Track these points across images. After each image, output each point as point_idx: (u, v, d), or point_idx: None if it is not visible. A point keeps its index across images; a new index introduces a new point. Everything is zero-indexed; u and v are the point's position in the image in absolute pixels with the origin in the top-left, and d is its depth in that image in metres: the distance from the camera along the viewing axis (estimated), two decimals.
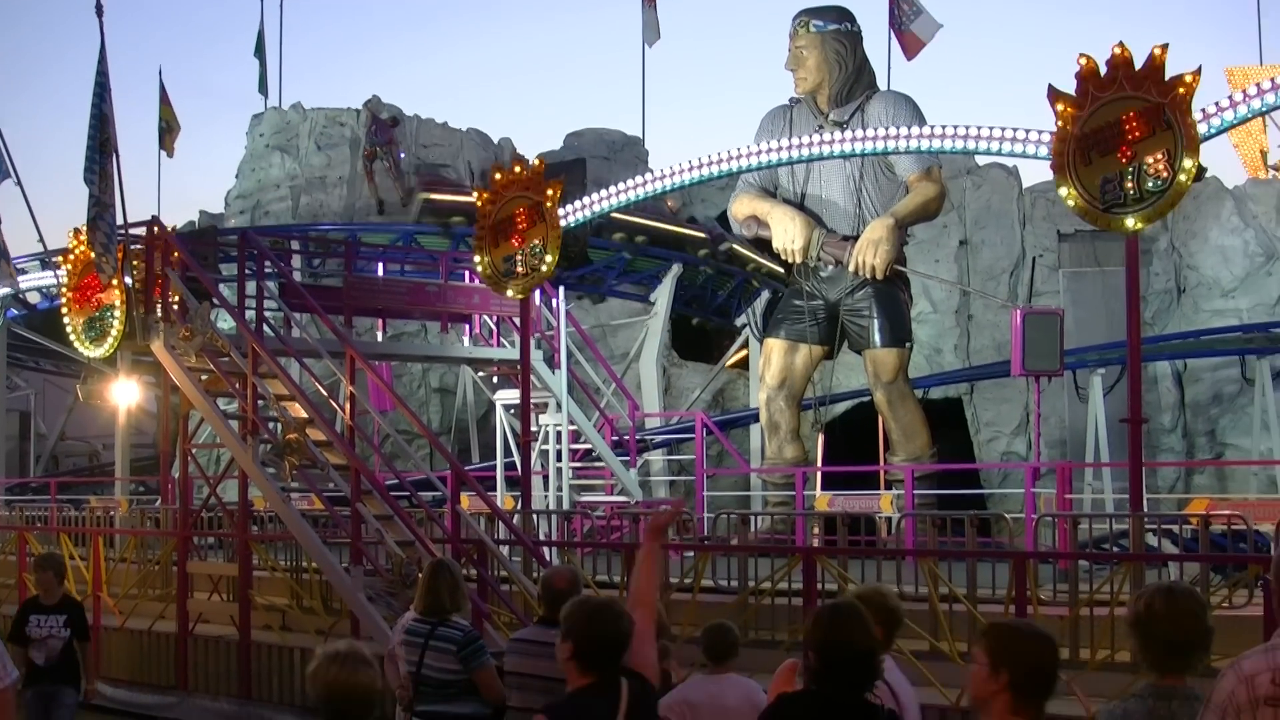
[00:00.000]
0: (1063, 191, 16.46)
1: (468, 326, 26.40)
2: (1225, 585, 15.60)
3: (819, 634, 6.23)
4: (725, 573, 18.74)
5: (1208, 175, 35.49)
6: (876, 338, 26.85)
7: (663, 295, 34.32)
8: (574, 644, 6.44)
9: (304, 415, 19.92)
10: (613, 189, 21.88)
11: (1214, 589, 15.38)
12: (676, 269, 34.20)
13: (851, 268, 26.45)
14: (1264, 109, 16.85)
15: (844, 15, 28.19)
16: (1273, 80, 16.40)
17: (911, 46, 33.89)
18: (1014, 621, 6.12)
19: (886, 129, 21.04)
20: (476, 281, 23.62)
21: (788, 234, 26.93)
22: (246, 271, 23.24)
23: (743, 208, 28.20)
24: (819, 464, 28.42)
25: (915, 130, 20.35)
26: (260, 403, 19.78)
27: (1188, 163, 15.64)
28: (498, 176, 21.64)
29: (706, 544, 21.47)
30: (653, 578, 7.35)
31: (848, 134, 22.10)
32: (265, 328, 22.34)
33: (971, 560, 16.82)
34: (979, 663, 5.46)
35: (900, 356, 27.05)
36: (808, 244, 26.77)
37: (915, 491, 24.91)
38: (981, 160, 36.85)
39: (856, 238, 26.58)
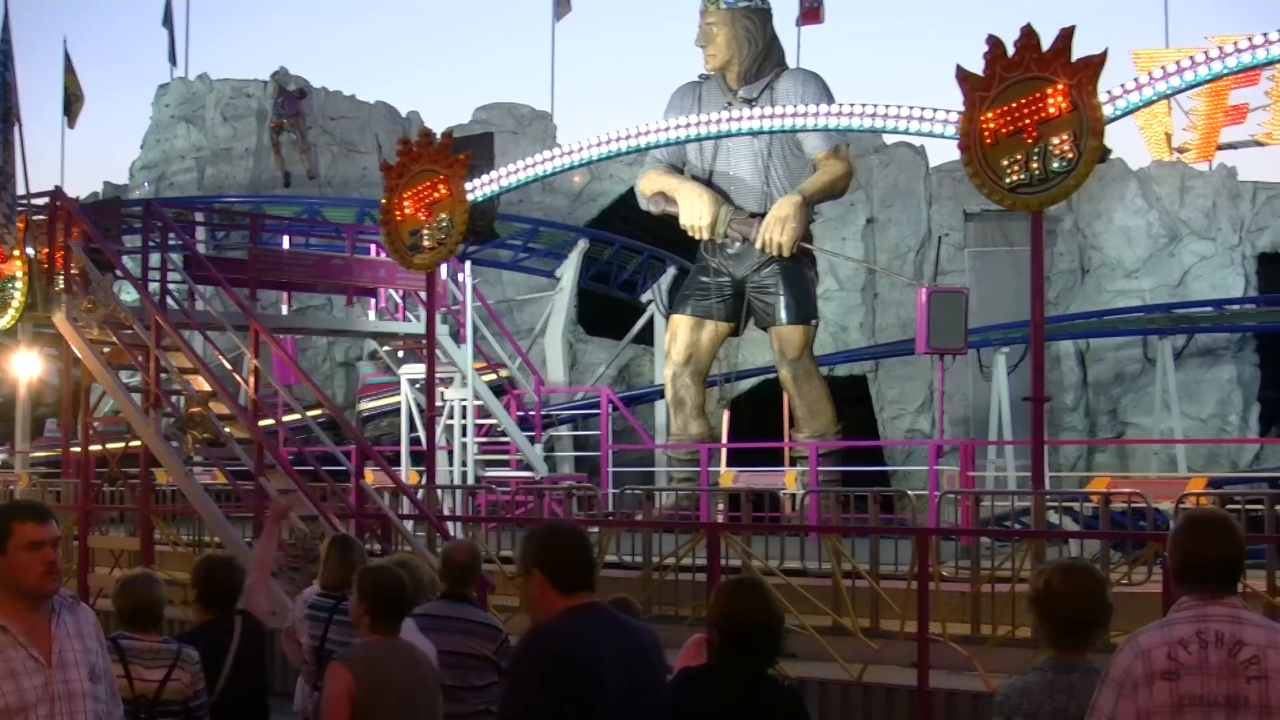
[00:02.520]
0: (969, 171, 16.57)
1: (373, 300, 26.33)
2: (1125, 562, 15.77)
3: (721, 609, 6.27)
4: (630, 548, 18.78)
5: (1113, 157, 35.78)
6: (782, 314, 26.90)
7: (569, 270, 34.27)
8: (199, 591, 8.58)
9: (207, 389, 19.79)
10: (520, 164, 21.80)
11: (1114, 566, 15.54)
12: (583, 244, 34.16)
13: (758, 245, 26.48)
14: (1169, 91, 16.99)
15: None
16: (1178, 63, 16.55)
17: (809, 17, 34.08)
18: (540, 525, 6.30)
19: (795, 107, 21.07)
20: (383, 255, 23.54)
21: (695, 211, 26.92)
22: (150, 243, 23.05)
23: (650, 184, 28.17)
24: (724, 440, 28.48)
25: (823, 108, 20.37)
26: (163, 376, 19.64)
27: (1093, 144, 15.78)
28: (404, 150, 21.56)
29: (611, 519, 21.48)
30: (268, 550, 9.88)
31: (756, 111, 22.12)
32: (169, 300, 22.17)
33: (874, 536, 16.95)
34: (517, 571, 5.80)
35: (806, 334, 27.12)
36: (715, 221, 26.76)
37: (820, 468, 25.05)
38: (889, 139, 37.01)
39: (764, 215, 26.60)
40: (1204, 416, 33.63)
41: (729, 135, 23.79)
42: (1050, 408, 30.12)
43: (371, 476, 22.17)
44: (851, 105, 19.06)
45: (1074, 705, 5.62)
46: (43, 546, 5.64)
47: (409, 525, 19.09)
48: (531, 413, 28.59)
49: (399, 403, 28.56)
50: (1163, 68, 16.65)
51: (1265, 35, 16.21)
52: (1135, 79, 16.56)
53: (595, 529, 19.01)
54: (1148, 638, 5.33)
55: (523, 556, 5.69)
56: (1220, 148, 36.82)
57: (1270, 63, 18.43)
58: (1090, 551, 16.44)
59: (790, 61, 29.24)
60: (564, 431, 32.34)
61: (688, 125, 21.13)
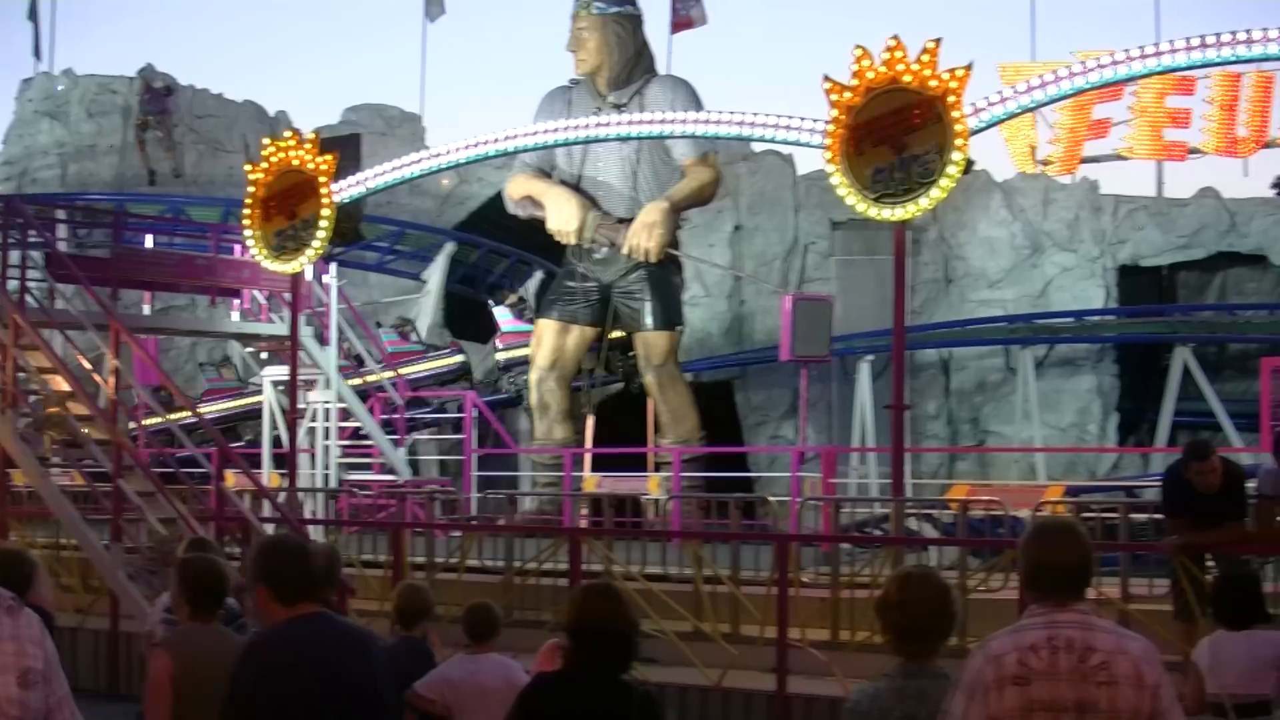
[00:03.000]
0: (835, 180, 16.67)
1: (237, 301, 26.06)
2: (983, 569, 15.92)
3: (574, 615, 6.26)
4: (492, 553, 18.72)
5: (977, 169, 36.17)
6: (648, 320, 26.93)
7: (435, 273, 34.14)
8: None
9: (66, 389, 19.50)
10: (388, 165, 21.67)
11: (972, 573, 15.69)
12: (450, 247, 34.05)
13: (625, 250, 26.49)
14: (1033, 105, 17.20)
15: None
16: (1042, 77, 16.74)
17: (680, 25, 34.18)
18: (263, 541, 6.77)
19: (664, 113, 21.13)
20: (247, 256, 23.31)
21: (562, 215, 26.88)
22: (10, 240, 22.67)
23: (518, 188, 28.10)
24: (588, 445, 28.47)
25: (692, 115, 20.43)
26: (21, 375, 19.32)
27: (957, 156, 15.93)
28: (270, 149, 21.37)
29: (473, 523, 21.40)
30: None
31: (625, 117, 22.16)
32: (28, 298, 21.81)
33: (735, 542, 17.00)
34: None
35: (671, 339, 27.18)
36: (582, 226, 26.74)
37: (683, 474, 25.08)
38: (758, 147, 37.13)
39: (631, 220, 26.62)
40: (1064, 426, 34.08)
41: (598, 140, 23.82)
42: (913, 416, 30.48)
43: (234, 479, 21.94)
44: (720, 113, 19.10)
45: (924, 711, 5.66)
46: None
47: (269, 529, 18.90)
48: (395, 416, 28.41)
49: (242, 408, 28.37)
50: (1027, 81, 16.85)
51: (1127, 51, 16.43)
52: (1000, 91, 16.74)
53: (458, 533, 18.93)
54: (999, 643, 5.38)
55: (250, 571, 6.10)
56: (1083, 161, 37.37)
57: (1132, 78, 18.72)
58: (949, 558, 16.57)
59: (661, 68, 29.30)
60: (428, 435, 32.20)
61: (557, 130, 21.09)
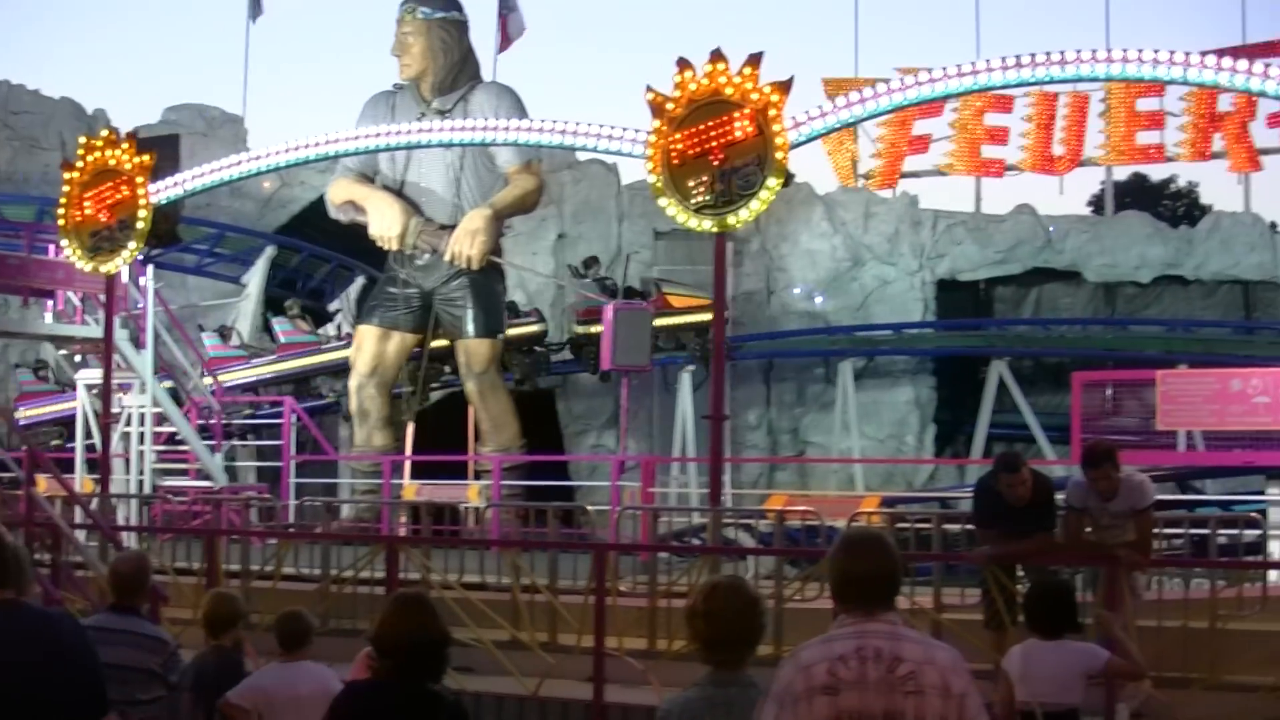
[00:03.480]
0: (656, 191, 16.75)
1: (50, 302, 25.59)
2: (799, 578, 16.02)
3: (383, 624, 6.24)
4: (309, 561, 18.53)
5: (799, 181, 36.54)
6: (470, 328, 26.87)
7: (255, 277, 33.79)
8: None
9: None
10: (208, 167, 21.42)
11: (788, 581, 15.77)
12: (270, 251, 33.72)
13: (448, 257, 26.41)
14: (853, 120, 17.42)
15: (451, 4, 28.06)
16: (861, 92, 16.94)
17: (505, 40, 34.15)
18: None
19: (488, 120, 21.08)
20: (61, 256, 22.90)
21: (385, 221, 26.73)
22: None
23: (340, 192, 27.91)
24: (408, 453, 28.31)
25: (516, 123, 20.45)
26: None
27: (776, 169, 16.06)
28: (87, 148, 21.03)
29: (290, 531, 21.17)
30: None
31: (449, 123, 22.08)
32: None
33: (553, 551, 16.97)
34: None
35: (493, 347, 27.14)
36: (404, 232, 26.62)
37: (503, 482, 25.03)
38: (582, 156, 37.18)
39: (454, 227, 26.55)
40: (882, 437, 34.49)
41: (421, 146, 23.71)
42: (733, 426, 30.68)
43: (45, 484, 21.50)
44: (544, 121, 19.13)
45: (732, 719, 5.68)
46: None
47: (81, 535, 18.54)
48: (212, 421, 28.05)
49: (59, 412, 27.89)
50: (846, 96, 17.03)
51: (945, 69, 16.68)
52: (820, 106, 16.91)
53: (274, 540, 18.72)
54: (809, 653, 5.39)
55: None
56: (903, 176, 37.92)
57: (950, 95, 19.00)
58: (766, 567, 16.67)
59: (487, 75, 29.25)
60: (246, 441, 31.83)
61: (380, 134, 21.00)
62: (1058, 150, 37.00)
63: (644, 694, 13.17)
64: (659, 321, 28.93)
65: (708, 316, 28.94)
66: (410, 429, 28.87)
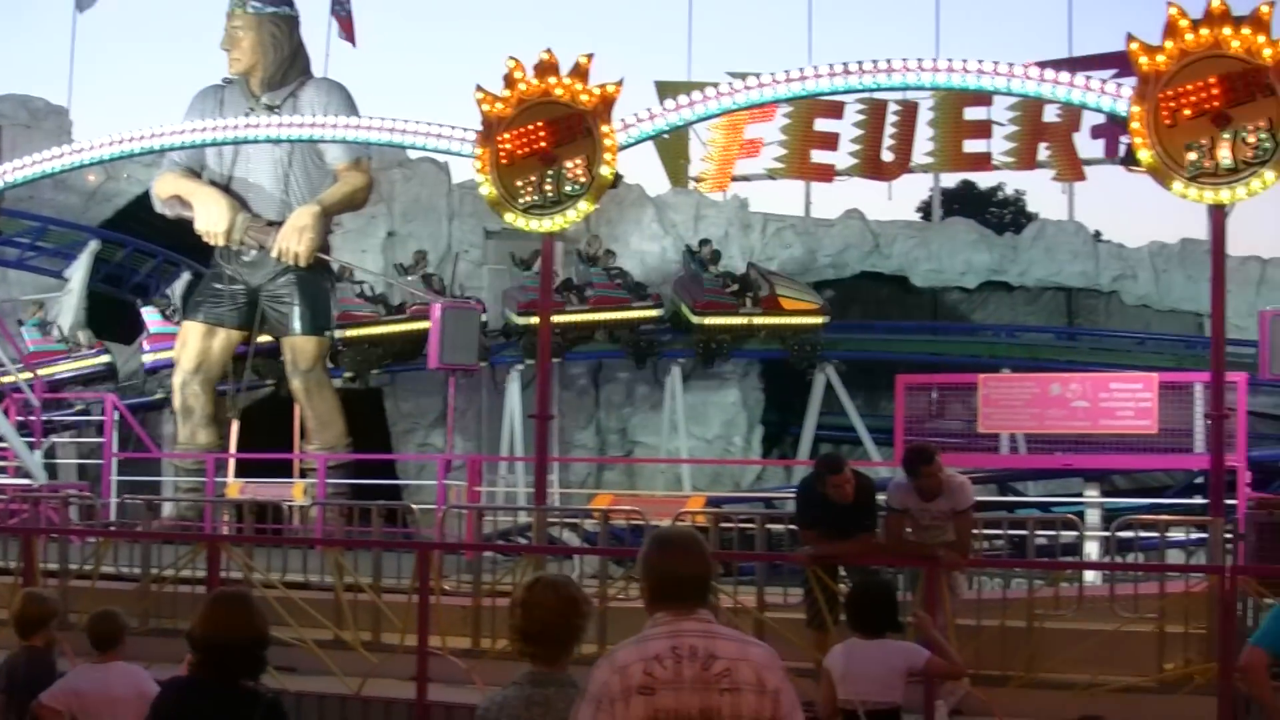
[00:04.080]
0: (485, 190, 16.74)
1: None
2: (623, 577, 16.07)
3: (201, 623, 6.20)
4: (129, 560, 18.27)
5: (630, 183, 36.61)
6: (296, 325, 26.70)
7: (78, 271, 33.24)
8: None
9: None
10: (31, 159, 21.09)
11: (612, 580, 15.83)
12: (95, 245, 33.18)
13: (275, 254, 26.21)
14: (682, 122, 17.54)
15: None
16: (691, 96, 17.04)
17: (348, 27, 33.90)
18: None
19: (317, 117, 20.97)
20: None
21: (211, 216, 26.47)
22: None
23: (166, 187, 27.60)
24: (232, 450, 28.01)
25: (345, 120, 20.37)
26: None
27: (605, 170, 16.13)
28: None
29: (110, 530, 20.87)
30: None
31: (278, 119, 21.92)
32: None
33: (377, 550, 16.90)
34: None
35: (320, 345, 26.98)
36: (231, 227, 26.38)
37: (329, 481, 24.87)
38: (413, 154, 36.96)
39: (282, 224, 26.35)
40: (710, 437, 34.60)
41: (249, 141, 23.54)
42: (562, 426, 30.68)
43: None
44: (373, 119, 19.06)
45: (549, 719, 5.69)
46: None
47: None
48: (32, 418, 27.56)
49: None
50: (676, 99, 17.14)
51: (774, 75, 16.83)
52: (649, 108, 17.00)
53: (94, 539, 18.44)
54: (624, 654, 5.43)
55: None
56: (734, 179, 38.10)
57: (780, 100, 19.18)
58: (591, 566, 16.71)
59: (318, 72, 29.07)
60: (66, 439, 31.33)
61: (207, 129, 20.80)
62: (887, 157, 37.31)
63: (468, 693, 13.17)
64: (764, 320, 29.86)
65: (816, 320, 29.41)
66: (235, 426, 28.55)
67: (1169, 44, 14.54)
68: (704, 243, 33.00)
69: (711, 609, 5.78)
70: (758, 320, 30.77)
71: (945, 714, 11.66)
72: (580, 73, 16.47)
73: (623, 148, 16.50)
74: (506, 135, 16.59)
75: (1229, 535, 15.03)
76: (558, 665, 5.92)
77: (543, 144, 16.40)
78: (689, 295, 31.32)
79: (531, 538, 17.84)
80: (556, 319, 27.14)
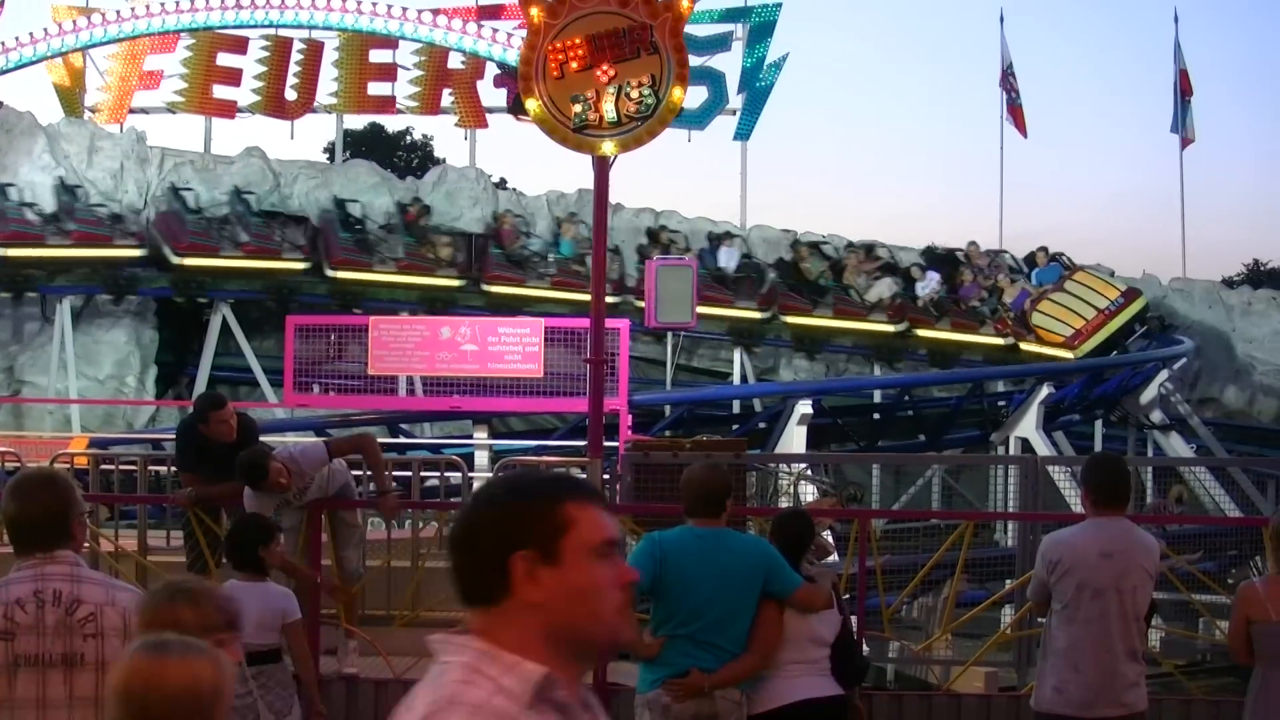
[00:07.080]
0: None
1: None
2: None
3: None
4: None
5: (21, 110, 35.17)
6: None
7: None
8: None
9: None
10: None
11: None
12: None
13: None
14: (66, 49, 17.00)
15: None
16: (75, 22, 16.51)
17: None
18: None
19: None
20: None
21: None
22: None
23: None
24: None
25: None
26: None
27: None
28: None
29: None
30: None
31: None
32: None
33: None
34: None
35: None
36: None
37: None
38: None
39: None
40: (102, 377, 33.74)
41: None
42: None
43: None
44: None
45: None
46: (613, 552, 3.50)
47: None
48: None
49: None
50: (60, 24, 16.60)
51: (178, 4, 16.48)
52: (31, 33, 16.40)
53: None
54: None
55: None
56: (133, 111, 37.06)
57: (172, 31, 18.80)
58: None
59: None
60: None
61: None
62: (291, 95, 36.96)
63: None
64: None
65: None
66: None
67: None
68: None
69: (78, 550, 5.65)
70: None
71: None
72: None
73: (3, 72, 15.86)
74: None
75: (606, 476, 15.62)
76: None
77: None
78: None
79: None
80: None
